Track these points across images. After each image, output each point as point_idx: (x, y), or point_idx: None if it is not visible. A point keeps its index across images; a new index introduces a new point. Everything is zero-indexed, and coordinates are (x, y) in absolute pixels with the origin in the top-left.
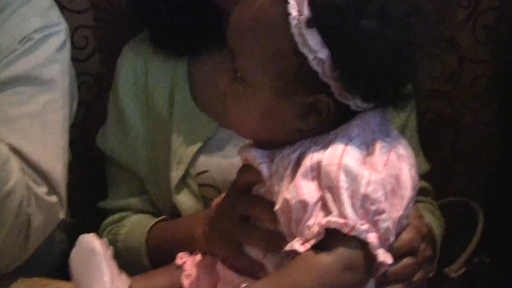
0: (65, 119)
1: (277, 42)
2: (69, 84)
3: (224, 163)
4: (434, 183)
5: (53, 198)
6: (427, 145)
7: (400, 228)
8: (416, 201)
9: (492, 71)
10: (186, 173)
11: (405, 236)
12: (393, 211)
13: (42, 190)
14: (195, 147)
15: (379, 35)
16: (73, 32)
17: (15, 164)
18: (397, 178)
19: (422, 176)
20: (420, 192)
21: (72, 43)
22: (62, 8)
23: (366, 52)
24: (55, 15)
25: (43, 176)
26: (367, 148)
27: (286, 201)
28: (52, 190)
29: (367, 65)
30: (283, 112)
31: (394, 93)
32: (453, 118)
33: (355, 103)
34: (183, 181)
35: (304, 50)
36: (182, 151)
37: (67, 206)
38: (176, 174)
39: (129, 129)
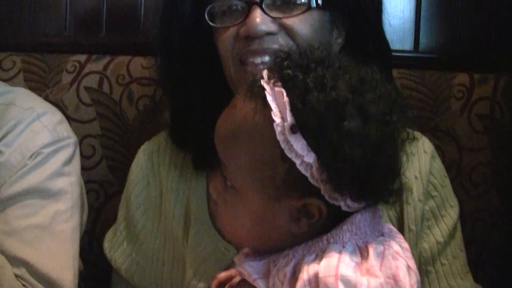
0: (75, 229)
1: (263, 149)
2: (78, 195)
3: None
4: None
5: None
6: None
7: None
8: None
9: (490, 159)
10: None
11: None
12: None
13: None
14: (209, 282)
15: (361, 134)
16: (80, 142)
17: (8, 273)
18: (394, 279)
19: None
20: None
21: (80, 152)
22: (69, 118)
23: (351, 152)
24: (64, 129)
25: (51, 286)
26: (361, 252)
27: None
28: None
29: (354, 165)
30: (275, 218)
31: (382, 190)
32: None
33: (345, 203)
34: None
35: (291, 155)
36: (196, 284)
37: None
38: None
39: (138, 245)
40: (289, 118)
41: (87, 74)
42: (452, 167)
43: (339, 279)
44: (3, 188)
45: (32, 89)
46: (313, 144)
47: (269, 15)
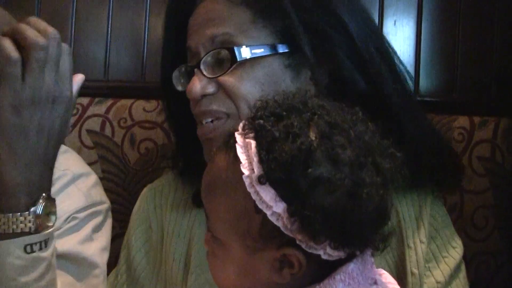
0: None
1: (238, 202)
2: (106, 261)
3: None
4: None
5: None
6: None
7: None
8: None
9: (491, 201)
10: None
11: None
12: None
13: None
14: None
15: (330, 180)
16: None
17: None
18: None
19: None
20: None
21: None
22: None
23: (319, 199)
24: (98, 193)
25: None
26: None
27: None
28: None
29: (324, 212)
30: (257, 269)
31: (366, 236)
32: None
33: (325, 252)
34: None
35: (261, 206)
36: None
37: None
38: None
39: None
40: (257, 169)
41: (89, 117)
42: (454, 210)
43: None
44: None
45: None
46: (282, 194)
47: (206, 77)
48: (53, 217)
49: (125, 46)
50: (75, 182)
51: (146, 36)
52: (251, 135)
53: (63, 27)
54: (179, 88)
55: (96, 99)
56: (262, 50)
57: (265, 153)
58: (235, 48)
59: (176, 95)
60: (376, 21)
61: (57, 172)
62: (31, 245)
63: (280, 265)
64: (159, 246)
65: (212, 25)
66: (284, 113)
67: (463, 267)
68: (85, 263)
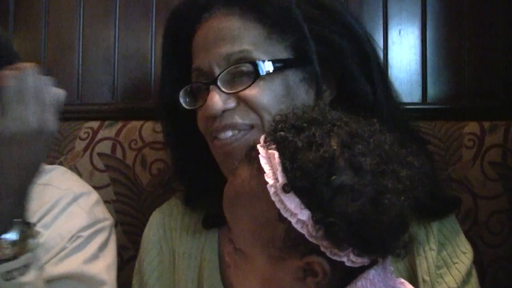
0: None
1: (262, 212)
2: (115, 277)
3: None
4: None
5: None
6: None
7: None
8: None
9: (506, 206)
10: None
11: None
12: None
13: None
14: None
15: (353, 187)
16: None
17: None
18: None
19: None
20: None
21: None
22: None
23: (343, 206)
24: (101, 210)
25: None
26: None
27: None
28: None
29: (348, 219)
30: (281, 278)
31: (388, 243)
32: (474, 256)
33: (349, 259)
34: None
35: (286, 214)
36: None
37: None
38: None
39: None
40: (281, 178)
41: (100, 140)
42: (468, 217)
43: None
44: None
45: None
46: (306, 202)
47: (225, 92)
48: (31, 241)
49: (132, 68)
50: (77, 201)
51: (152, 57)
52: (273, 146)
53: (70, 52)
54: (187, 106)
55: (106, 122)
56: (281, 64)
57: (288, 162)
58: (258, 63)
59: (176, 117)
60: (381, 31)
61: (58, 192)
62: (11, 271)
63: (304, 274)
64: (171, 269)
65: (225, 44)
66: (305, 124)
67: (474, 272)
68: (93, 282)
